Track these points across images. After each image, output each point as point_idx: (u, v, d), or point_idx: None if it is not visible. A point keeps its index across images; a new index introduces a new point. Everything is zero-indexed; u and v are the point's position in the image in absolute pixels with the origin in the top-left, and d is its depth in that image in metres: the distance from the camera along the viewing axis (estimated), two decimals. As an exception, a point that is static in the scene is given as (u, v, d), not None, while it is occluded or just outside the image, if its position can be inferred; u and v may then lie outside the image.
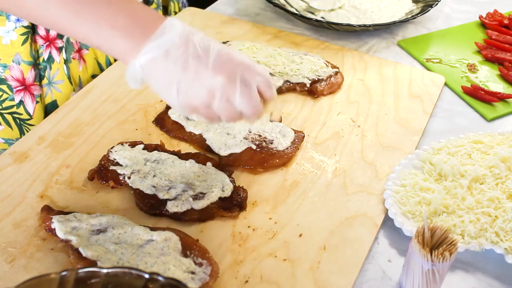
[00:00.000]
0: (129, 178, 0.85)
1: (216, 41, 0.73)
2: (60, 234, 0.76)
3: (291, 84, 1.07)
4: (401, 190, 0.86)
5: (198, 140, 0.95)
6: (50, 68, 1.03)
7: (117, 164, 0.88)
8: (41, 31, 1.00)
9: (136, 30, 0.70)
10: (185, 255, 0.75)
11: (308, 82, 1.07)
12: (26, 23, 0.97)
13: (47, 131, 0.96)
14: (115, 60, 1.13)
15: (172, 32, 0.70)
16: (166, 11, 1.27)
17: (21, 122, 1.01)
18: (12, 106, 1.00)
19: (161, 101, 1.03)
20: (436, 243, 0.70)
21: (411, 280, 0.72)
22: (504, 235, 0.78)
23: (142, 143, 0.92)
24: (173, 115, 0.98)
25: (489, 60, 1.20)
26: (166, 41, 0.69)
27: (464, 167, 0.88)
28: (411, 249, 0.70)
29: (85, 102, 1.03)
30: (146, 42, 0.69)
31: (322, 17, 1.29)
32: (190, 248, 0.76)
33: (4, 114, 1.00)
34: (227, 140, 0.93)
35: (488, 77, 1.16)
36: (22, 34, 0.97)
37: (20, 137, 1.03)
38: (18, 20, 0.96)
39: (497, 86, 1.14)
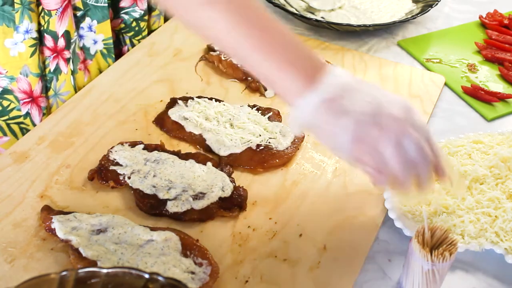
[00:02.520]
0: (129, 178, 0.85)
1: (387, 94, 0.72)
2: (60, 234, 0.76)
3: (291, 84, 1.07)
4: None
5: (198, 140, 0.95)
6: (57, 80, 1.02)
7: (117, 164, 0.88)
8: (49, 42, 0.99)
9: (309, 69, 0.69)
10: (185, 255, 0.75)
11: (308, 82, 1.07)
12: (35, 35, 0.96)
13: (47, 131, 0.96)
14: None
15: (341, 76, 0.69)
16: (167, 16, 1.26)
17: (27, 133, 1.00)
18: (19, 116, 0.99)
19: (161, 101, 1.03)
20: (436, 243, 0.70)
21: (411, 280, 0.72)
22: (504, 235, 0.78)
23: (142, 143, 0.91)
24: (173, 115, 0.98)
25: (489, 60, 1.20)
26: (337, 83, 0.68)
27: (464, 167, 0.88)
28: (411, 249, 0.70)
29: (85, 102, 1.03)
30: (313, 86, 0.68)
31: (322, 17, 1.29)
32: (190, 248, 0.76)
33: (11, 125, 0.99)
34: (227, 140, 0.92)
35: (488, 77, 1.16)
36: (31, 46, 0.95)
37: None
38: (27, 31, 0.94)
39: (497, 86, 1.14)
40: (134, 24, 1.15)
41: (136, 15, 1.14)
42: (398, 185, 0.71)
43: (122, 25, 1.15)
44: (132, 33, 1.17)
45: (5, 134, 1.00)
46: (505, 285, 0.77)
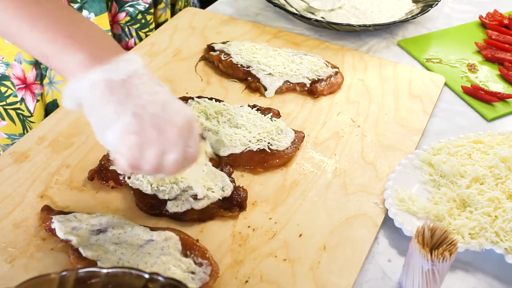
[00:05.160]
0: (129, 178, 0.85)
1: (163, 85, 0.69)
2: (60, 234, 0.76)
3: (291, 84, 1.07)
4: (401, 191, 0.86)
5: (198, 140, 0.95)
6: (51, 73, 1.03)
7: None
8: None
9: (96, 48, 0.65)
10: (185, 255, 0.75)
11: (308, 82, 1.07)
12: None
13: (47, 131, 0.96)
14: None
15: (136, 64, 0.66)
16: (173, 9, 1.27)
17: (24, 118, 1.02)
18: (16, 102, 1.01)
19: (161, 101, 1.03)
20: (436, 243, 0.70)
21: (411, 280, 0.72)
22: (504, 235, 0.78)
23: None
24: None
25: (489, 60, 1.20)
26: (127, 67, 0.65)
27: (464, 167, 0.88)
28: (411, 249, 0.70)
29: (85, 102, 1.03)
30: (97, 66, 0.64)
31: (322, 17, 1.29)
32: (190, 248, 0.76)
33: (8, 110, 1.01)
34: (226, 140, 0.92)
35: (488, 77, 1.16)
36: None
37: (23, 133, 1.03)
38: None
39: (497, 86, 1.14)
40: (139, 16, 1.16)
41: (141, 7, 1.15)
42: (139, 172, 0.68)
43: (128, 18, 1.15)
44: (138, 25, 1.17)
45: (3, 119, 1.01)
46: (505, 285, 0.78)
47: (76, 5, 1.04)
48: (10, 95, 1.00)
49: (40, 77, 1.02)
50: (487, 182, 0.86)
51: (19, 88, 1.00)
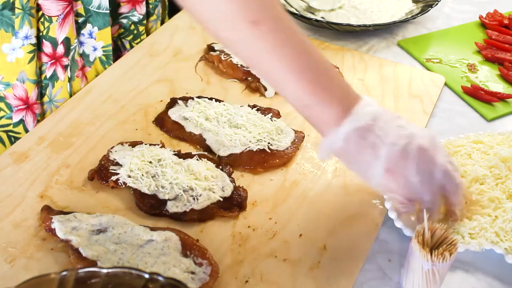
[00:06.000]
0: (129, 177, 0.85)
1: (440, 150, 0.75)
2: (60, 234, 0.76)
3: (291, 84, 1.07)
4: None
5: (198, 140, 0.95)
6: (53, 86, 1.01)
7: (117, 164, 0.88)
8: (47, 49, 0.98)
9: (346, 100, 0.71)
10: (185, 255, 0.75)
11: (308, 82, 1.07)
12: (34, 41, 0.94)
13: (47, 131, 0.96)
14: None
15: (374, 105, 0.72)
16: (163, 23, 1.26)
17: (15, 141, 0.97)
18: (8, 125, 0.98)
19: (161, 101, 1.03)
20: (436, 243, 0.70)
21: (411, 280, 0.72)
22: (504, 235, 0.78)
23: (142, 143, 0.91)
24: (173, 115, 0.98)
25: (489, 60, 1.20)
26: (370, 112, 0.70)
27: (464, 167, 0.88)
28: (411, 249, 0.70)
29: (85, 102, 1.03)
30: (352, 111, 0.70)
31: (322, 17, 1.29)
32: (190, 248, 0.76)
33: None
34: (226, 140, 0.92)
35: (488, 77, 1.16)
36: (30, 52, 0.94)
37: None
38: (26, 37, 0.93)
39: (497, 86, 1.14)
40: (132, 27, 1.15)
41: (135, 19, 1.14)
42: (426, 210, 0.73)
43: (121, 30, 1.15)
44: (131, 36, 1.16)
45: None
46: (505, 285, 0.78)
47: (81, 19, 1.03)
48: (2, 117, 0.96)
49: (40, 96, 1.00)
50: (487, 182, 0.86)
51: (18, 110, 0.97)
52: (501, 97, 1.09)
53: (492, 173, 0.87)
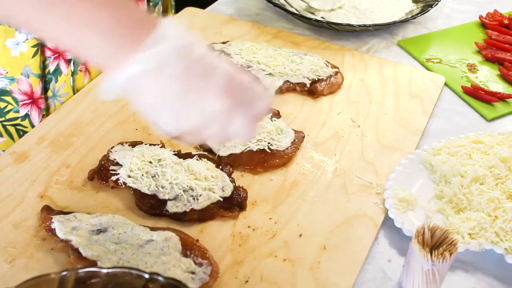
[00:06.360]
0: (129, 177, 0.85)
1: (218, 55, 0.66)
2: (60, 234, 0.76)
3: (291, 84, 1.07)
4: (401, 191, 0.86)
5: (198, 140, 0.95)
6: (56, 81, 1.01)
7: (117, 164, 0.88)
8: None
9: (124, 32, 0.60)
10: (185, 255, 0.75)
11: (308, 82, 1.07)
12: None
13: (47, 131, 0.96)
14: None
15: (170, 42, 0.60)
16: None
17: (24, 134, 0.99)
18: (16, 118, 0.98)
19: (161, 101, 1.03)
20: (436, 243, 0.70)
21: (411, 280, 0.72)
22: (504, 235, 0.78)
23: (142, 143, 0.91)
24: (173, 115, 0.98)
25: (489, 60, 1.20)
26: (162, 52, 0.60)
27: (464, 167, 0.88)
28: (411, 249, 0.70)
29: (85, 102, 1.03)
30: (136, 48, 0.59)
31: (322, 17, 1.29)
32: (190, 248, 0.76)
33: (7, 126, 0.98)
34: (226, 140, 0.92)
35: (488, 77, 1.16)
36: (33, 46, 0.95)
37: None
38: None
39: (497, 86, 1.14)
40: None
41: None
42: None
43: None
44: None
45: (1, 135, 0.99)
46: (505, 285, 0.78)
47: None
48: (10, 110, 0.97)
49: (44, 90, 1.01)
50: (487, 182, 0.86)
51: (23, 104, 0.98)
52: (501, 97, 1.09)
53: (492, 173, 0.87)
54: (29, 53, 0.95)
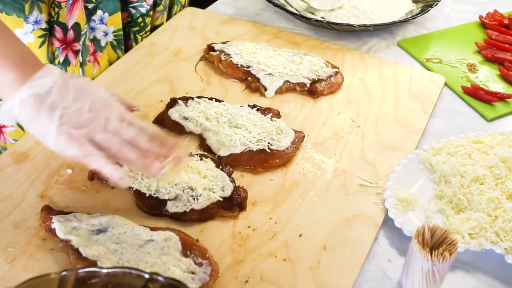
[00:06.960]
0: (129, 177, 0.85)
1: (93, 83, 0.76)
2: (60, 234, 0.76)
3: (291, 84, 1.07)
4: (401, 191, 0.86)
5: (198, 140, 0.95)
6: (66, 71, 1.03)
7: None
8: (58, 34, 1.00)
9: (24, 66, 0.71)
10: (185, 255, 0.75)
11: (308, 82, 1.07)
12: (44, 25, 0.97)
13: (47, 131, 0.96)
14: None
15: (54, 74, 0.72)
16: (169, 12, 1.27)
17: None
18: None
19: (161, 101, 1.03)
20: (436, 243, 0.70)
21: (411, 280, 0.72)
22: (504, 235, 0.78)
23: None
24: (173, 115, 0.98)
25: (489, 60, 1.20)
26: (49, 80, 0.71)
27: (464, 167, 0.88)
28: (411, 249, 0.70)
29: (85, 102, 1.02)
30: (27, 80, 0.70)
31: (322, 17, 1.29)
32: (190, 248, 0.76)
33: None
34: (226, 140, 0.92)
35: (488, 77, 1.16)
36: (40, 37, 0.97)
37: None
38: (36, 22, 0.96)
39: (497, 86, 1.14)
40: (140, 19, 1.17)
41: (143, 10, 1.16)
42: (135, 166, 0.75)
43: (128, 19, 1.16)
44: (137, 28, 1.18)
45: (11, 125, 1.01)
46: (505, 285, 0.78)
47: (91, 5, 1.04)
48: None
49: None
50: (487, 182, 0.86)
51: None
52: (501, 97, 1.09)
53: (492, 173, 0.87)
54: (36, 44, 0.97)
